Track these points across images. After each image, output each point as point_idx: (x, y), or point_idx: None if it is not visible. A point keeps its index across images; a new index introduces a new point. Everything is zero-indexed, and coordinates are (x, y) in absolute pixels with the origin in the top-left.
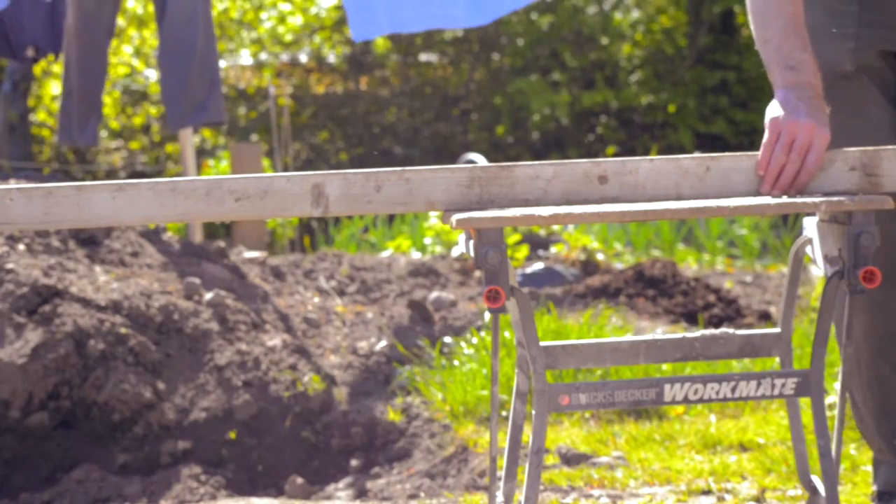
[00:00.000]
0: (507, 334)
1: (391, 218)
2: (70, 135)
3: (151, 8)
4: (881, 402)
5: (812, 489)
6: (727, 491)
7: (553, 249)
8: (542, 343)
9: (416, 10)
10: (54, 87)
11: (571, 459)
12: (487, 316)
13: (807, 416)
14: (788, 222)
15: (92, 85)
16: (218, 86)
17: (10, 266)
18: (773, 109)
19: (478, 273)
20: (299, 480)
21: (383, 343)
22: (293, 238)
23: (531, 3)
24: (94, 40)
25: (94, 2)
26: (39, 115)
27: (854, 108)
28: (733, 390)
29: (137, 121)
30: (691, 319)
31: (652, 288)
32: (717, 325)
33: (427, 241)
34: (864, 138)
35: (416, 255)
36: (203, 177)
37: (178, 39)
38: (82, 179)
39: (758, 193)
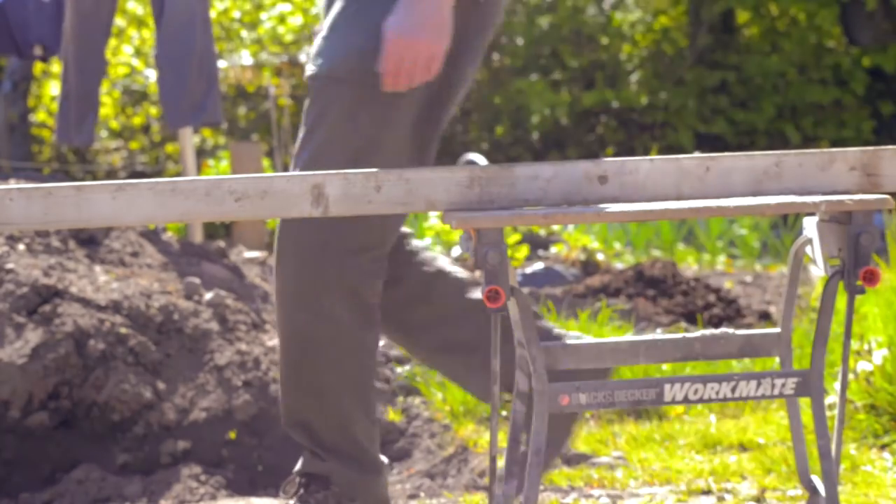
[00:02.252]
0: None
1: None
2: (68, 134)
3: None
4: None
5: (812, 489)
6: (727, 491)
7: (553, 249)
8: (542, 343)
9: None
10: (54, 88)
11: (571, 459)
12: None
13: (807, 416)
14: (788, 222)
15: (89, 84)
16: (215, 86)
17: (10, 266)
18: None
19: (478, 273)
20: None
21: (383, 343)
22: None
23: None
24: (91, 40)
25: (93, 2)
26: (39, 116)
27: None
28: (733, 390)
29: (137, 121)
30: (691, 319)
31: (652, 288)
32: (717, 325)
33: (427, 241)
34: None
35: None
36: (203, 177)
37: (177, 40)
38: (82, 179)
39: (758, 193)
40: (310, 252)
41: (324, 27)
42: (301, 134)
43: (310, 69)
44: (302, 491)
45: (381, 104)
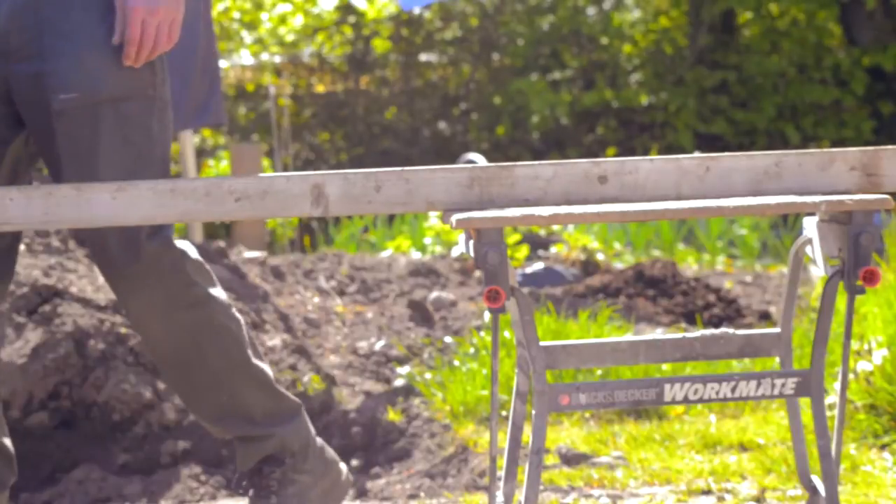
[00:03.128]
0: (507, 334)
1: (391, 218)
2: None
3: None
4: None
5: (812, 489)
6: (727, 491)
7: (553, 249)
8: (542, 343)
9: None
10: None
11: (571, 459)
12: (487, 316)
13: (807, 416)
14: (788, 222)
15: None
16: (218, 87)
17: None
18: None
19: (478, 273)
20: None
21: (383, 343)
22: (293, 238)
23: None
24: None
25: None
26: None
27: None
28: (733, 390)
29: None
30: (691, 319)
31: (652, 288)
32: (717, 325)
33: (427, 241)
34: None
35: (416, 255)
36: (203, 177)
37: (180, 42)
38: None
39: (758, 193)
40: (155, 265)
41: (69, 50)
42: (93, 160)
43: (70, 96)
44: (260, 479)
45: (160, 110)
